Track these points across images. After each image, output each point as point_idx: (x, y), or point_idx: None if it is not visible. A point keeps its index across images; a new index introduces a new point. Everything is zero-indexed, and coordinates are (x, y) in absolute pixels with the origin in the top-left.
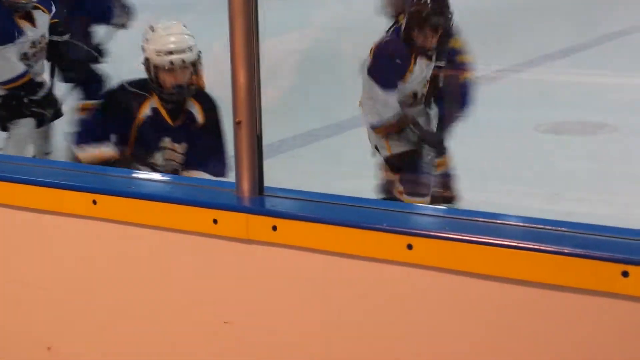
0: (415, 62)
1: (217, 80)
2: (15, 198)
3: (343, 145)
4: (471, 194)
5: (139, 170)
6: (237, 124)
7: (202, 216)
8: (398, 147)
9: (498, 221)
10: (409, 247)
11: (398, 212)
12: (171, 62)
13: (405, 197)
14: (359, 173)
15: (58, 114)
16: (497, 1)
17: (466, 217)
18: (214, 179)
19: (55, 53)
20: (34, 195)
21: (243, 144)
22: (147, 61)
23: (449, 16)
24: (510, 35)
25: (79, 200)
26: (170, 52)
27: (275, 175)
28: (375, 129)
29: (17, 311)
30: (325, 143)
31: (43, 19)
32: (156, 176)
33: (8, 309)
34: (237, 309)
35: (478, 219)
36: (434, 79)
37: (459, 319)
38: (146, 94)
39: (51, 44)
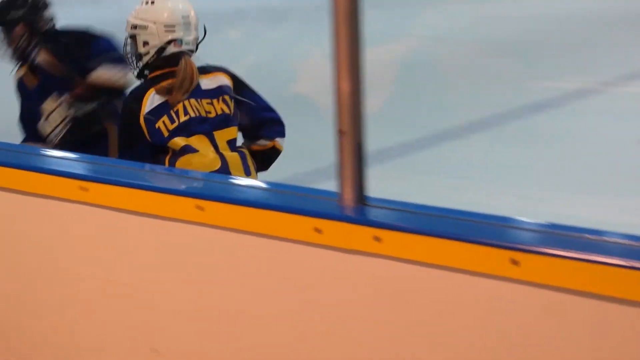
0: None
1: (318, 88)
2: (122, 202)
3: (442, 155)
4: (570, 209)
5: None
6: (340, 134)
7: (304, 224)
8: None
9: (604, 238)
10: (513, 262)
11: (502, 226)
12: None
13: None
14: (459, 184)
15: None
16: (602, 13)
17: (572, 233)
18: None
19: None
20: (141, 200)
21: (346, 154)
22: None
23: None
24: (615, 47)
25: (185, 205)
26: None
27: (376, 185)
28: None
29: (120, 314)
30: (425, 153)
31: None
32: (258, 183)
33: (112, 312)
34: (339, 318)
35: (584, 235)
36: None
37: (565, 337)
38: None
39: None
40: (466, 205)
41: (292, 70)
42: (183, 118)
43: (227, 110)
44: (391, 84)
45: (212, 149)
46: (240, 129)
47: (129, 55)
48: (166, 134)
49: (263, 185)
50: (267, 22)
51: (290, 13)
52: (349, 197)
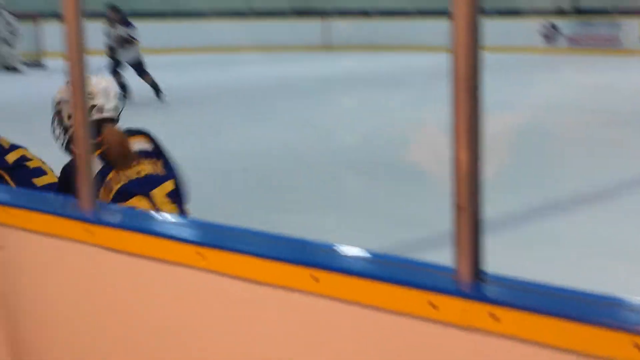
0: None
1: (430, 156)
2: (239, 269)
3: (555, 227)
4: None
5: None
6: (458, 209)
7: (418, 299)
8: None
9: None
10: (638, 347)
11: (625, 308)
12: None
13: None
14: (572, 258)
15: None
16: None
17: None
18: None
19: None
20: (257, 268)
21: (463, 229)
22: None
23: None
24: None
25: (302, 275)
26: None
27: (487, 256)
28: None
29: None
30: (538, 225)
31: None
32: (371, 254)
33: None
34: None
35: None
36: None
37: None
38: None
39: None
40: (580, 280)
41: (404, 138)
42: (118, 185)
43: (157, 170)
44: (505, 153)
45: (150, 207)
46: None
47: (57, 131)
48: (107, 202)
49: (376, 256)
50: (382, 88)
51: (403, 79)
52: (465, 273)
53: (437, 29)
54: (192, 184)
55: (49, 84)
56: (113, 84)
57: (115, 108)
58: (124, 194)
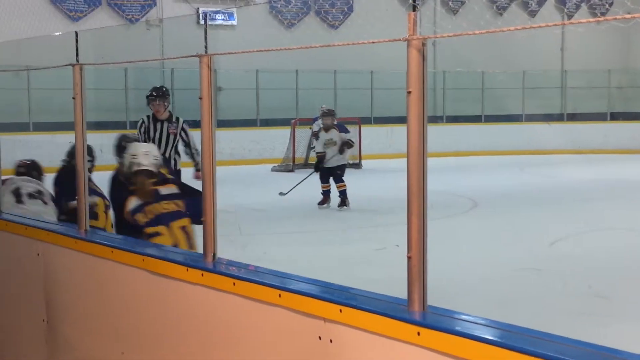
0: None
1: None
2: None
3: None
4: None
5: None
6: None
7: None
8: None
9: None
10: None
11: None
12: None
13: None
14: None
15: None
16: None
17: None
18: None
19: None
20: None
21: None
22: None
23: None
24: None
25: None
26: None
27: None
28: None
29: None
30: None
31: None
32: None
33: None
34: None
35: None
36: None
37: None
38: None
39: None
40: None
41: None
42: (150, 216)
43: (178, 208)
44: None
45: (168, 232)
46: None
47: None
48: (142, 223)
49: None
50: None
51: None
52: None
53: None
54: (509, 286)
55: (365, 182)
56: (154, 150)
57: (151, 165)
58: (155, 220)
